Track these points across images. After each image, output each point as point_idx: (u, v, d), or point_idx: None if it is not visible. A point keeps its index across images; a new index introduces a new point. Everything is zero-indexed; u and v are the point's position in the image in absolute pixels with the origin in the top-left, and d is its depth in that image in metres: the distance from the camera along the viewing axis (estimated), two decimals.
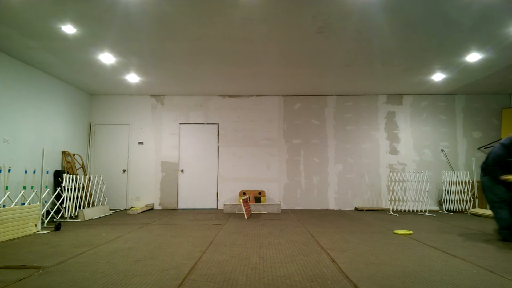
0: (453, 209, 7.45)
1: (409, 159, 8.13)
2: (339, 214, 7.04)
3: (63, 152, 7.12)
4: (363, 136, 8.22)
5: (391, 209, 7.43)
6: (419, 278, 2.65)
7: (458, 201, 7.45)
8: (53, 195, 6.04)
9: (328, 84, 7.39)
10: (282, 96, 8.33)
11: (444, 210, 7.56)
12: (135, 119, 8.29)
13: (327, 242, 4.07)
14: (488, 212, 6.52)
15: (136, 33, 4.74)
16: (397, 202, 7.69)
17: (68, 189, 6.04)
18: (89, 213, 6.20)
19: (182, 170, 8.16)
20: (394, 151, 8.17)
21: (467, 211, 7.31)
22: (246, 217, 6.37)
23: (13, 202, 4.79)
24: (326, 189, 8.07)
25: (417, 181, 7.69)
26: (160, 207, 8.03)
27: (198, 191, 8.11)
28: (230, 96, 8.34)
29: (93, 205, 7.06)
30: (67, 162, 7.14)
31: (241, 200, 6.72)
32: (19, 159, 5.82)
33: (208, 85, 7.41)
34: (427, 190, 7.45)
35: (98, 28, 4.56)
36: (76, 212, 6.26)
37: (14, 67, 5.73)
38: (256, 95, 8.33)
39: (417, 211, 7.49)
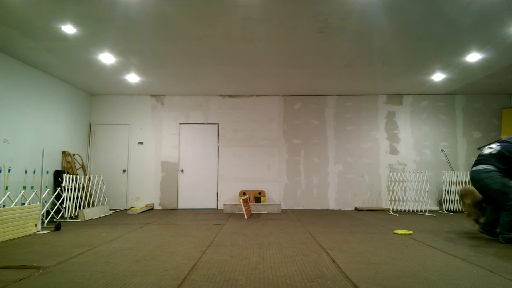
0: (453, 209, 7.45)
1: (409, 159, 8.13)
2: (339, 214, 7.04)
3: (63, 152, 7.12)
4: (363, 136, 8.22)
5: (391, 209, 7.43)
6: (419, 278, 2.65)
7: (458, 201, 7.44)
8: (53, 195, 6.04)
9: (328, 84, 7.39)
10: (282, 96, 8.33)
11: (444, 210, 7.56)
12: (135, 119, 8.28)
13: (327, 242, 4.07)
14: None
15: (136, 33, 4.74)
16: (397, 202, 7.69)
17: (68, 189, 6.04)
18: (89, 213, 6.20)
19: (182, 170, 8.15)
20: (394, 151, 8.17)
21: None
22: (246, 217, 6.37)
23: (13, 202, 4.79)
24: (326, 189, 8.07)
25: (417, 181, 7.69)
26: (160, 207, 8.03)
27: (198, 191, 8.11)
28: (230, 96, 8.33)
29: (93, 205, 7.06)
30: (67, 162, 7.14)
31: (241, 200, 6.72)
32: (19, 159, 5.82)
33: (208, 85, 7.41)
34: (427, 190, 7.45)
35: (98, 28, 4.56)
36: (76, 212, 6.25)
37: (14, 67, 5.73)
38: (256, 95, 8.33)
39: (417, 211, 7.48)
